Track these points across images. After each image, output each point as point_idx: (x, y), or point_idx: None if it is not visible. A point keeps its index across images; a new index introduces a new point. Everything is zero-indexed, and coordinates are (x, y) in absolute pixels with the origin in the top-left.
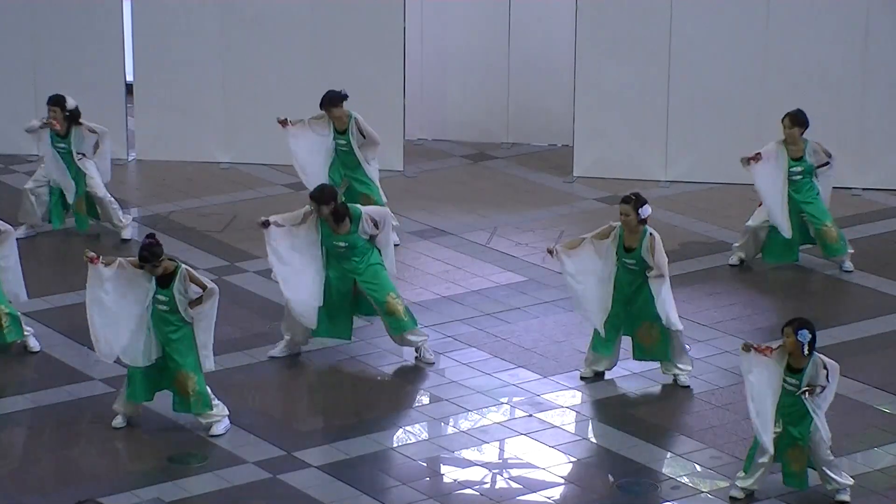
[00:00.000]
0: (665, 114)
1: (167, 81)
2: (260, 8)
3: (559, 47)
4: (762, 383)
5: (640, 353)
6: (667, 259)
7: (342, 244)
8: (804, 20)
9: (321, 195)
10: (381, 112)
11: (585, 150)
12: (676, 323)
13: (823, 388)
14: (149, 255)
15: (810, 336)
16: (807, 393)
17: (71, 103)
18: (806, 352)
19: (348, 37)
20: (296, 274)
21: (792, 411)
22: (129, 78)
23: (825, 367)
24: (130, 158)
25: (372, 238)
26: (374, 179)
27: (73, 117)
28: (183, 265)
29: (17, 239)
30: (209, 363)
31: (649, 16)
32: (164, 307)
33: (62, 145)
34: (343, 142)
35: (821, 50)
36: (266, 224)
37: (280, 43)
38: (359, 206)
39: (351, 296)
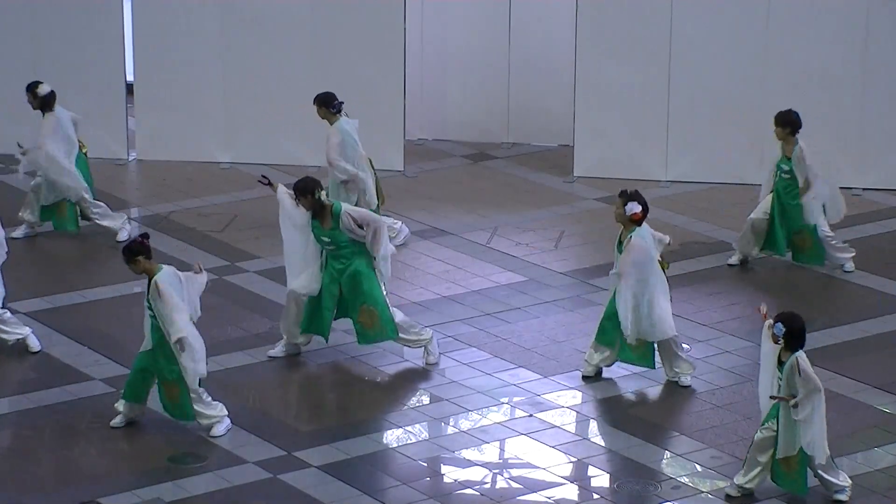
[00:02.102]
0: (665, 114)
1: (167, 81)
2: (260, 8)
3: (559, 47)
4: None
5: (624, 355)
6: (638, 265)
7: (326, 240)
8: (804, 20)
9: (301, 186)
10: (381, 112)
11: (585, 150)
12: (664, 333)
13: (797, 403)
14: (124, 251)
15: (784, 329)
16: (777, 399)
17: (44, 89)
18: (781, 343)
19: (348, 37)
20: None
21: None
22: (129, 78)
23: (800, 374)
24: (130, 158)
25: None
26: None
27: (46, 103)
28: (157, 277)
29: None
30: (193, 379)
31: (649, 16)
32: (150, 312)
33: None
34: None
35: (821, 50)
36: (268, 183)
37: (280, 43)
38: (341, 203)
39: (338, 298)
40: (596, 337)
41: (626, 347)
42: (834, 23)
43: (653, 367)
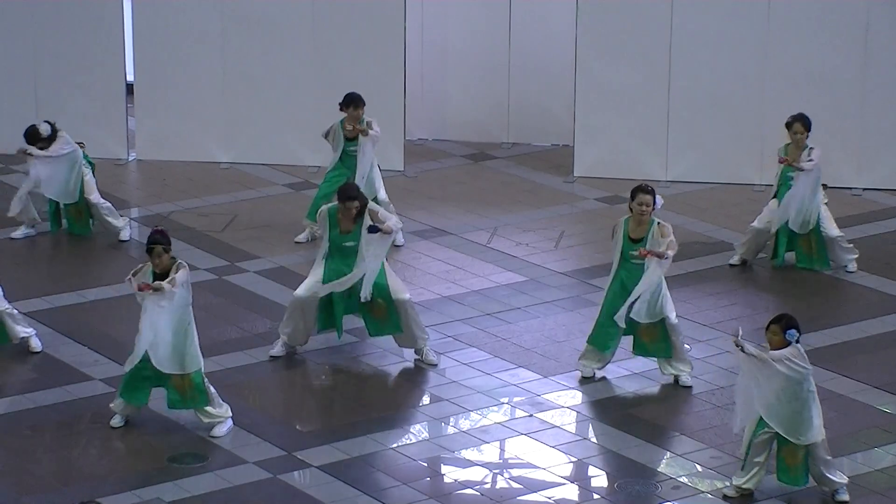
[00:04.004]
0: (665, 114)
1: (167, 81)
2: (260, 8)
3: (559, 47)
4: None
5: (640, 350)
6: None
7: (350, 244)
8: (804, 20)
9: (345, 192)
10: (381, 112)
11: (585, 150)
12: (662, 313)
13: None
14: (157, 243)
15: (798, 335)
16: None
17: (45, 129)
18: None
19: (348, 37)
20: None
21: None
22: (130, 78)
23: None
24: (130, 158)
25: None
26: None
27: (53, 137)
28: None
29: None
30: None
31: (649, 16)
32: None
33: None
34: (353, 147)
35: (821, 50)
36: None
37: (280, 43)
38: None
39: (346, 295)
40: (591, 340)
41: (642, 344)
42: (834, 23)
43: (670, 355)
